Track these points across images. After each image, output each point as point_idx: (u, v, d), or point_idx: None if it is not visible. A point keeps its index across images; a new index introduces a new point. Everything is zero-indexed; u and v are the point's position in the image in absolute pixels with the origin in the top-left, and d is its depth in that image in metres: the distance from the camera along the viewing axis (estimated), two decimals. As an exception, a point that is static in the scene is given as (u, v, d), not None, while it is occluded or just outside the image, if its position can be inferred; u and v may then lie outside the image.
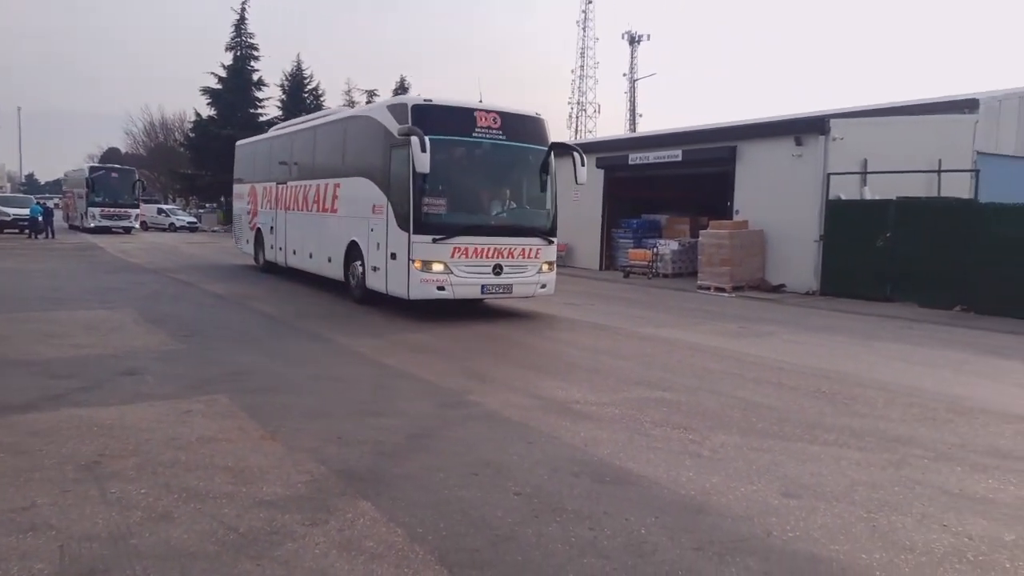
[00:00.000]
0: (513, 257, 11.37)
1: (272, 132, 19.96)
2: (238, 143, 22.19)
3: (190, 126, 54.86)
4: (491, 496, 4.47)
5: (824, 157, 17.61)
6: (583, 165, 12.11)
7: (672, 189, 23.91)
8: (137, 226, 38.75)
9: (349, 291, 13.22)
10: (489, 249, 11.15)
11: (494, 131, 11.29)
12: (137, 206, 39.45)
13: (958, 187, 18.17)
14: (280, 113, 50.91)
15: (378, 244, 11.81)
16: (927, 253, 15.45)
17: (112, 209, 37.48)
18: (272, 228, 17.81)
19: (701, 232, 19.49)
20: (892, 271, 16.19)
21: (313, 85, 53.50)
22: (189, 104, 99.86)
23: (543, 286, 11.85)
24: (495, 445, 5.45)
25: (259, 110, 51.80)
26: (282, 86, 52.71)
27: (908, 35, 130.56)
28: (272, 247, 17.87)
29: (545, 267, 11.82)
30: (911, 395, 7.44)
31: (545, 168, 11.84)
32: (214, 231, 46.26)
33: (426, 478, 4.73)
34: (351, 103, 51.43)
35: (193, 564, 3.53)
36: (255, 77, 51.18)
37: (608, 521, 4.16)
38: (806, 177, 17.84)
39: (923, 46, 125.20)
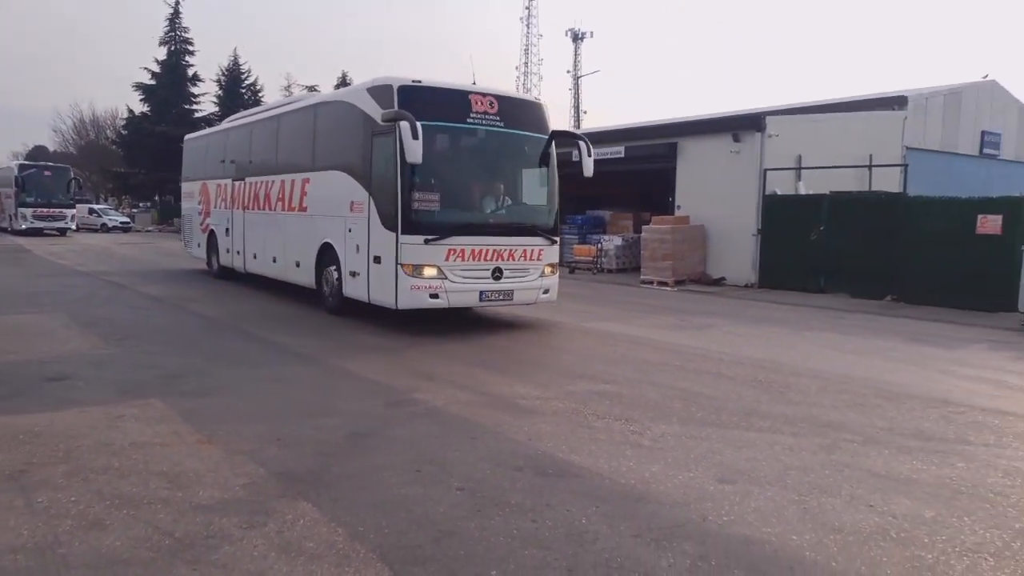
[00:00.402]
0: (514, 259, 10.12)
1: (227, 123, 17.97)
2: (187, 137, 20.49)
3: (122, 123, 53.12)
4: (434, 493, 4.47)
5: (761, 153, 18.09)
6: (590, 156, 10.76)
7: (615, 185, 24.19)
8: (73, 227, 37.20)
9: (322, 300, 11.69)
10: (487, 250, 9.89)
11: (491, 117, 9.97)
12: (73, 206, 37.83)
13: (888, 181, 18.91)
14: (216, 109, 49.68)
15: (357, 246, 10.39)
16: (858, 246, 16.02)
17: (45, 209, 35.87)
18: (228, 230, 16.00)
19: (644, 228, 19.80)
20: (826, 263, 16.74)
21: (251, 80, 52.36)
22: (121, 100, 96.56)
23: (546, 291, 10.63)
24: (438, 442, 5.45)
25: (195, 106, 50.49)
26: (219, 81, 51.42)
27: (842, 35, 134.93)
28: (228, 251, 16.04)
29: (548, 270, 10.62)
30: (842, 382, 7.71)
31: (546, 159, 10.64)
32: (148, 231, 44.90)
33: (368, 477, 4.71)
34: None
35: (126, 571, 3.44)
36: (190, 72, 49.85)
37: (550, 513, 4.21)
38: (744, 173, 18.28)
39: (855, 45, 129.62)
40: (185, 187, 19.71)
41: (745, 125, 18.78)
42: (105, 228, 43.67)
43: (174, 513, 4.07)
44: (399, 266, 9.45)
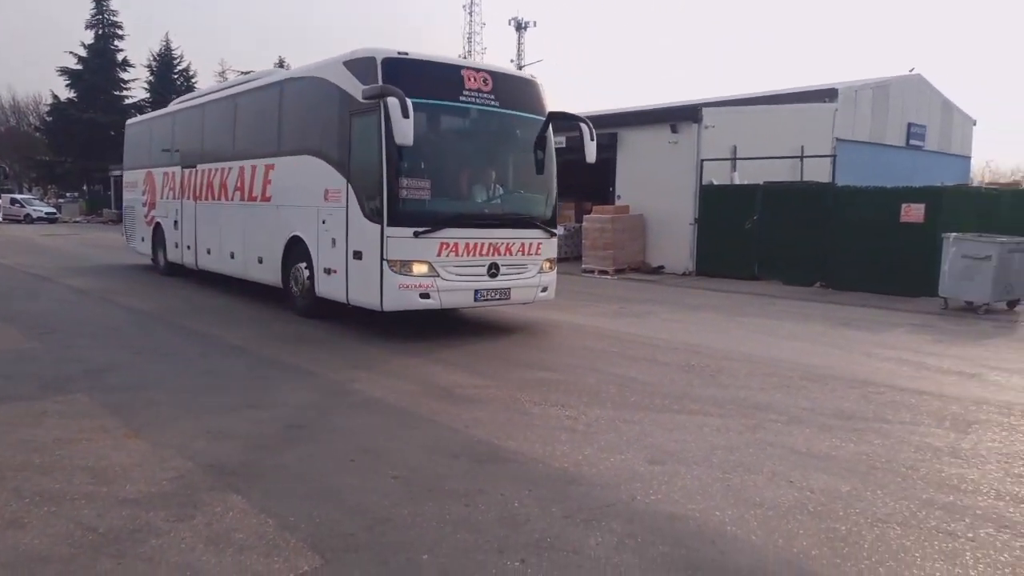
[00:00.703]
0: (511, 254, 9.26)
1: (175, 106, 16.42)
2: (129, 122, 19.32)
3: (47, 109, 50.90)
4: (368, 482, 4.48)
5: (698, 144, 18.46)
6: (592, 139, 9.92)
7: (557, 175, 24.36)
8: (0, 218, 35.52)
9: (291, 300, 10.56)
10: (483, 244, 8.97)
11: (485, 95, 9.02)
12: None
13: (819, 172, 19.54)
14: (148, 95, 48.07)
15: (333, 240, 9.31)
16: (790, 234, 16.53)
17: None
18: (176, 222, 14.72)
19: (585, 217, 20.01)
20: (759, 252, 17.23)
21: (183, 66, 50.83)
22: (44, 85, 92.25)
23: (544, 289, 9.79)
24: (375, 432, 5.45)
25: (125, 92, 48.80)
26: (150, 67, 49.79)
27: (775, 28, 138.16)
28: (177, 245, 14.69)
29: (546, 265, 9.78)
30: (771, 365, 7.99)
31: (543, 143, 9.71)
32: (76, 222, 43.19)
33: (301, 468, 4.68)
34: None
35: (45, 568, 3.36)
36: (119, 57, 48.09)
37: (483, 497, 4.26)
38: (682, 164, 18.64)
39: (788, 38, 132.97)
40: (127, 176, 18.40)
41: (683, 116, 19.12)
42: (29, 219, 41.86)
43: (98, 508, 3.97)
44: (384, 262, 8.41)
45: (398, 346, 8.61)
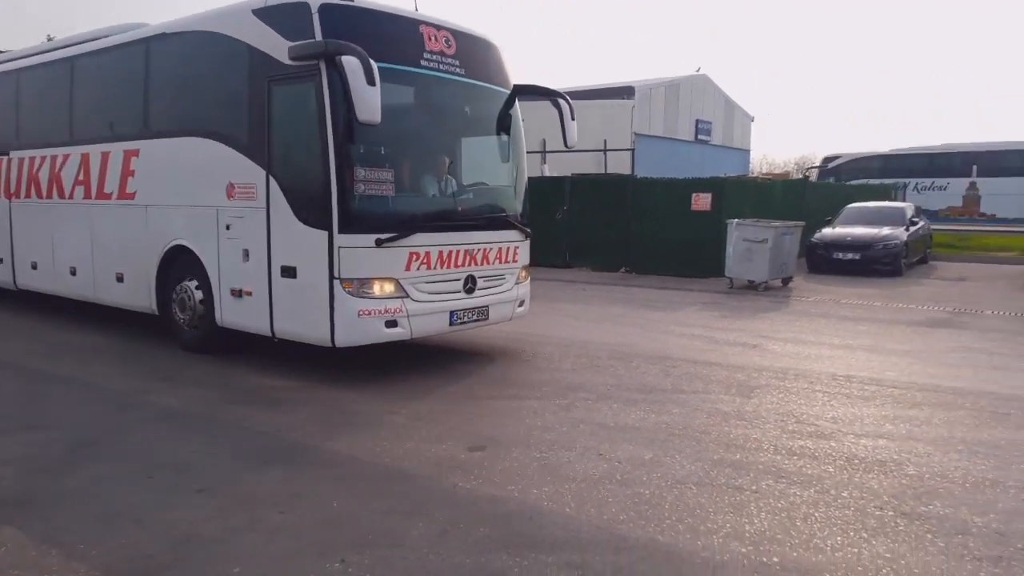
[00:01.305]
0: (488, 263, 7.40)
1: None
2: None
3: None
4: (170, 498, 4.15)
5: (508, 137, 18.91)
6: (573, 119, 8.16)
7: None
8: None
9: (174, 332, 8.05)
10: (459, 252, 7.04)
11: (448, 60, 7.04)
12: None
13: (622, 164, 20.86)
14: None
15: (246, 252, 7.03)
16: (597, 223, 17.46)
17: None
18: None
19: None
20: (570, 240, 18.05)
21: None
22: None
23: (521, 303, 8.02)
24: (176, 444, 5.06)
25: None
26: None
27: (573, 27, 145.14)
28: None
29: (523, 274, 8.04)
30: (581, 347, 8.40)
31: (508, 122, 7.85)
32: None
33: (91, 491, 4.24)
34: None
35: None
36: None
37: (300, 502, 4.11)
38: (494, 156, 18.99)
39: (586, 37, 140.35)
40: None
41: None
42: None
43: None
44: (336, 281, 6.28)
45: (198, 354, 8.02)
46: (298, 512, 3.98)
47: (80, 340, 8.68)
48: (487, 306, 7.42)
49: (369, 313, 6.39)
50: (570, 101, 8.18)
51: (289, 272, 6.68)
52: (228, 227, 7.22)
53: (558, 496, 4.17)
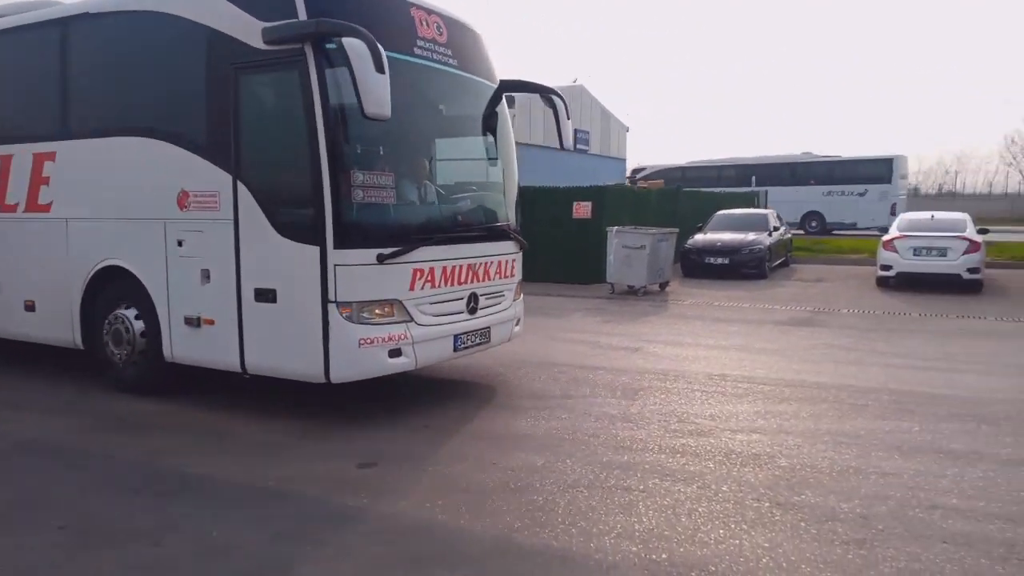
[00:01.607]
0: (489, 278, 6.57)
1: None
2: None
3: None
4: (26, 538, 3.78)
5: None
6: (568, 118, 7.22)
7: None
8: None
9: (106, 369, 6.73)
10: (461, 267, 6.20)
11: (441, 49, 6.17)
12: None
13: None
14: None
15: (205, 272, 5.95)
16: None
17: None
18: None
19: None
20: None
21: None
22: None
23: (517, 322, 7.24)
24: (32, 479, 4.63)
25: None
26: None
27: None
28: None
29: (518, 291, 7.25)
30: (472, 358, 8.38)
31: (496, 120, 6.90)
32: None
33: (-70, 536, 3.80)
34: None
35: None
36: None
37: (175, 533, 3.84)
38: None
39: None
40: None
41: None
42: None
43: None
44: (332, 306, 5.35)
45: (53, 373, 7.38)
46: (173, 544, 3.73)
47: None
48: (489, 327, 6.58)
49: (371, 342, 5.43)
50: (563, 99, 7.20)
51: (266, 296, 5.62)
52: (180, 243, 6.07)
53: (452, 508, 4.13)
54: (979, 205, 34.38)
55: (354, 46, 4.92)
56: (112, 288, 6.63)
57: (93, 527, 3.93)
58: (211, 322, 5.96)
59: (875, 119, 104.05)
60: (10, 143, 7.30)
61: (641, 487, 4.45)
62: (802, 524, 3.93)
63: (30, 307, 7.23)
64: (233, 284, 5.78)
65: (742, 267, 16.27)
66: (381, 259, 5.44)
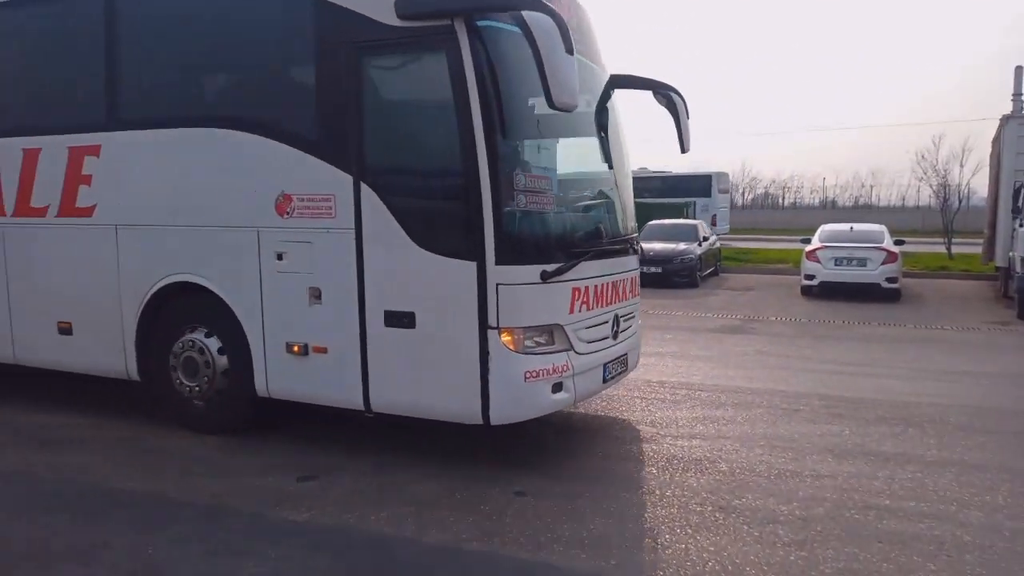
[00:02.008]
0: (625, 297, 5.75)
1: None
2: None
3: None
4: (-63, 562, 3.53)
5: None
6: (688, 118, 6.24)
7: None
8: None
9: (172, 404, 5.70)
10: (607, 285, 5.35)
11: (580, 38, 5.11)
12: None
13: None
14: None
15: (315, 291, 5.00)
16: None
17: None
18: None
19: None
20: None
21: None
22: None
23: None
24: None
25: None
26: None
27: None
28: None
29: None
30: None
31: (615, 116, 5.97)
32: None
33: None
34: None
35: None
36: None
37: (106, 552, 3.66)
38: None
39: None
40: None
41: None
42: None
43: None
44: (492, 332, 4.52)
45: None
46: (103, 565, 3.54)
47: None
48: (627, 353, 5.72)
49: (536, 375, 4.62)
50: (683, 96, 6.26)
51: (401, 320, 4.72)
52: (280, 256, 5.10)
53: (398, 520, 4.05)
54: (893, 217, 36.19)
55: (540, 22, 4.18)
56: (177, 308, 5.60)
57: (14, 550, 3.69)
58: (322, 350, 5.03)
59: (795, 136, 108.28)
60: (37, 135, 6.02)
61: (587, 494, 4.47)
62: (744, 527, 4.02)
63: (65, 330, 6.04)
64: (353, 305, 4.85)
65: (674, 276, 16.62)
66: (545, 277, 4.65)
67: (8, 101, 6.33)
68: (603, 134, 5.74)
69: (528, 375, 4.59)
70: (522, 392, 4.61)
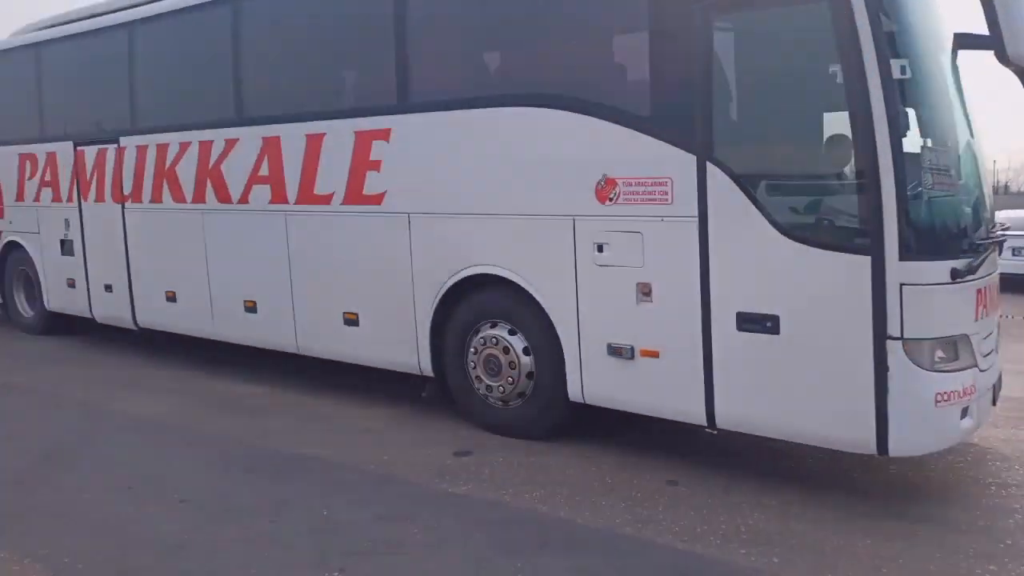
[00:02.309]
0: (995, 304, 4.54)
1: (39, 32, 8.53)
2: None
3: None
4: (153, 509, 4.03)
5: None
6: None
7: None
8: None
9: (465, 402, 5.40)
10: (991, 287, 4.35)
11: None
12: None
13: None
14: None
15: (644, 287, 4.44)
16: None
17: None
18: (68, 243, 8.10)
19: None
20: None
21: None
22: None
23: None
24: (152, 454, 4.91)
25: None
26: None
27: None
28: (74, 284, 8.09)
29: None
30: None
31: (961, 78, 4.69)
32: None
33: (68, 504, 4.09)
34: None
35: None
36: None
37: (289, 510, 4.01)
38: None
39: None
40: None
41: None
42: None
43: None
44: (891, 344, 3.74)
45: (157, 357, 7.70)
46: (289, 521, 3.89)
47: (37, 349, 8.32)
48: (1000, 371, 4.61)
49: (947, 398, 3.80)
50: None
51: (761, 324, 4.06)
52: (601, 248, 4.57)
53: (552, 499, 4.16)
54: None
55: None
56: (472, 301, 5.24)
57: (211, 502, 4.13)
58: (653, 354, 4.46)
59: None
60: (323, 119, 5.81)
61: (740, 487, 4.37)
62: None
63: (351, 321, 5.81)
64: (695, 305, 4.24)
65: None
66: (955, 275, 3.77)
67: (289, 87, 6.23)
68: (963, 100, 4.52)
69: (939, 398, 3.77)
70: (932, 418, 3.82)
